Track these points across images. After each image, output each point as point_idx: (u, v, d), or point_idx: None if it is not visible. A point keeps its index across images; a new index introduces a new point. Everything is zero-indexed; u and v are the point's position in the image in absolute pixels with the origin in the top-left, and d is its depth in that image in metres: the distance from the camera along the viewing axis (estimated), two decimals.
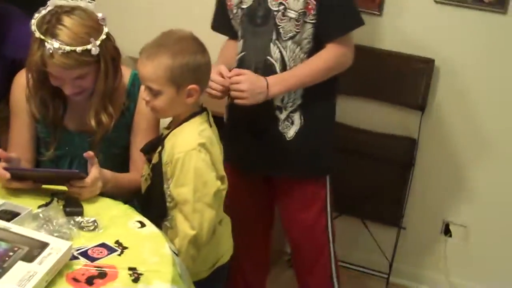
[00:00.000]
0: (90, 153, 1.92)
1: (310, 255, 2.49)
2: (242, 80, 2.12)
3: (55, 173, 1.99)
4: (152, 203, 1.97)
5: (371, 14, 2.93)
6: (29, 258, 1.50)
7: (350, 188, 3.02)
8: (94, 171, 1.90)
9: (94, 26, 1.94)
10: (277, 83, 2.16)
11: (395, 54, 2.96)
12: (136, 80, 2.12)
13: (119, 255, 1.66)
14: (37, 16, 1.93)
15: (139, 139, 2.11)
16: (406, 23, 2.94)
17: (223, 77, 2.13)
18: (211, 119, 1.99)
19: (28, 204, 1.81)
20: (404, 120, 3.06)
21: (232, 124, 2.39)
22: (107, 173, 1.99)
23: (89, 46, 1.90)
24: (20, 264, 1.48)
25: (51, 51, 1.87)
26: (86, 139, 2.09)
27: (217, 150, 1.93)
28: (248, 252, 2.53)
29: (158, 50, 1.84)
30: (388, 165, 3.05)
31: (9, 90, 2.13)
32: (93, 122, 2.04)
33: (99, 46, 1.93)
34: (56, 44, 1.86)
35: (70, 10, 1.92)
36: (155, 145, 1.97)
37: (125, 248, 1.69)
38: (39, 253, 1.52)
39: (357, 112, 3.11)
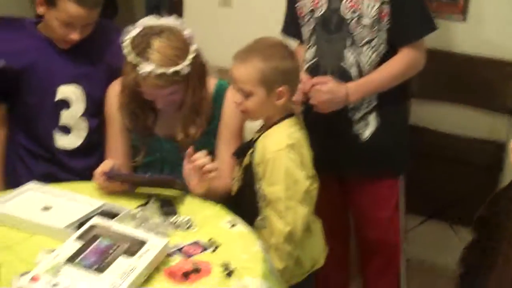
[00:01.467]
0: (190, 150, 1.99)
1: (382, 256, 2.50)
2: (324, 90, 2.17)
3: (151, 178, 2.07)
4: (244, 204, 2.04)
5: (455, 19, 2.93)
6: (130, 253, 1.60)
7: (437, 192, 3.01)
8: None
9: (182, 47, 2.03)
10: (356, 92, 2.21)
11: (481, 58, 2.95)
12: (221, 90, 2.21)
13: (212, 252, 1.73)
14: (127, 38, 2.03)
15: (224, 146, 2.19)
16: (491, 27, 2.92)
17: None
18: (301, 123, 2.05)
19: (126, 205, 1.92)
20: (491, 124, 3.03)
21: (307, 128, 2.43)
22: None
23: (178, 67, 2.00)
24: (122, 259, 1.58)
25: (144, 75, 1.98)
26: (176, 145, 2.18)
27: (307, 151, 2.00)
28: (329, 255, 2.56)
29: (250, 54, 1.93)
30: (475, 169, 3.02)
31: None
32: (181, 135, 2.14)
33: (188, 65, 2.02)
34: (148, 68, 1.97)
35: (159, 33, 2.01)
36: (246, 148, 2.05)
37: (218, 245, 1.76)
38: (139, 249, 1.62)
39: (444, 117, 3.09)
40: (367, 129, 2.31)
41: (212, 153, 2.21)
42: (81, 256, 1.57)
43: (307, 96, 2.20)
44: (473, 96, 3.01)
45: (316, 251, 2.11)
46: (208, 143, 2.19)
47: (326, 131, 2.34)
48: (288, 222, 1.91)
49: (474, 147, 3.04)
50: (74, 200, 1.94)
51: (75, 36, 2.15)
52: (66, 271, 1.51)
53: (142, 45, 1.99)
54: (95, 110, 2.30)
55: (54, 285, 1.46)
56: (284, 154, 1.92)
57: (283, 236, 1.92)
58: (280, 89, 1.94)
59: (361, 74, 2.25)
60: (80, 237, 1.64)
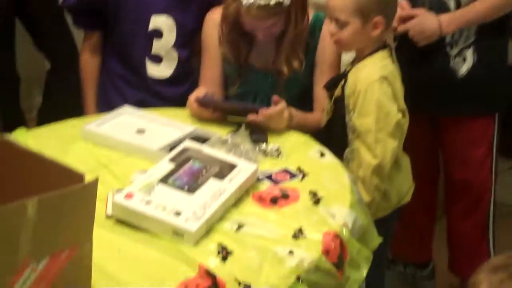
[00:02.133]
0: (276, 97, 2.01)
1: (471, 198, 2.44)
2: (412, 23, 2.13)
3: (242, 106, 2.10)
4: (333, 136, 2.04)
5: None
6: (220, 176, 1.64)
7: None
8: (282, 103, 2.00)
9: None
10: (451, 23, 2.15)
11: None
12: (317, 22, 2.18)
13: (301, 180, 1.75)
14: None
15: (322, 77, 2.18)
16: None
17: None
18: (394, 56, 2.02)
19: (217, 131, 1.95)
20: None
21: (399, 65, 2.38)
22: (293, 109, 2.07)
23: None
24: (212, 181, 1.62)
25: (246, 5, 1.98)
26: (270, 78, 2.19)
27: (399, 85, 1.97)
28: (416, 194, 2.54)
29: None
30: None
31: (199, 23, 2.28)
32: (285, 68, 2.14)
33: None
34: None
35: None
36: (338, 80, 2.03)
37: (306, 174, 1.78)
38: (229, 173, 1.65)
39: None
40: (464, 65, 2.25)
41: (307, 86, 2.22)
42: (173, 177, 1.61)
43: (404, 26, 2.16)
44: None
45: (404, 187, 2.10)
46: (303, 76, 2.19)
47: (419, 68, 2.30)
48: (377, 155, 1.90)
49: None
50: (166, 124, 1.98)
51: None
52: (159, 190, 1.56)
53: None
54: (186, 41, 2.33)
55: (147, 202, 1.51)
56: (376, 86, 1.89)
57: (371, 169, 1.91)
58: (376, 19, 1.90)
59: (459, 6, 2.18)
60: (172, 159, 1.69)
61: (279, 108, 1.98)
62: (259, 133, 1.94)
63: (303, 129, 2.10)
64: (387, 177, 1.96)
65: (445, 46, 2.24)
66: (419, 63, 2.29)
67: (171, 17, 2.28)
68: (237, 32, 2.14)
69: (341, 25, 1.92)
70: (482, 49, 2.25)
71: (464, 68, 2.25)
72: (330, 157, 1.89)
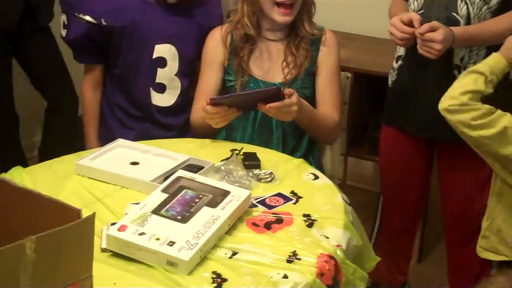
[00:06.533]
0: (289, 90, 2.03)
1: (470, 226, 2.36)
2: (437, 38, 2.03)
3: (255, 93, 2.10)
4: None
5: None
6: (213, 204, 1.64)
7: None
8: (294, 96, 2.01)
9: None
10: (462, 37, 2.09)
11: None
12: (317, 29, 2.28)
13: (294, 203, 1.76)
14: None
15: (329, 81, 2.26)
16: None
17: (411, 25, 2.08)
18: None
19: (211, 159, 1.96)
20: None
21: (403, 86, 2.36)
22: (304, 101, 2.10)
23: None
24: (205, 209, 1.62)
25: None
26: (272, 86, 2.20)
27: None
28: (399, 217, 2.53)
29: None
30: None
31: (198, 52, 2.35)
32: (280, 77, 2.23)
33: None
34: None
35: None
36: None
37: (300, 197, 1.79)
38: (222, 200, 1.66)
39: None
40: None
41: (312, 91, 2.28)
42: (166, 207, 1.62)
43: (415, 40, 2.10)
44: None
45: None
46: (306, 82, 2.25)
47: (423, 90, 2.24)
48: None
49: None
50: (161, 155, 1.99)
51: None
52: (152, 221, 1.56)
53: None
54: (187, 70, 2.38)
55: (141, 233, 1.52)
56: None
57: None
58: None
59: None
60: (165, 189, 1.69)
61: (290, 101, 1.99)
62: (252, 159, 1.95)
63: (315, 124, 2.17)
64: None
65: (453, 69, 2.19)
66: (424, 85, 2.25)
67: (173, 46, 2.32)
68: (242, 40, 2.23)
69: None
70: None
71: None
72: (323, 179, 1.90)
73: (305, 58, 2.23)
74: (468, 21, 2.14)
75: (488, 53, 2.10)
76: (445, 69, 2.18)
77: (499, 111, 1.85)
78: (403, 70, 2.31)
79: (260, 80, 2.25)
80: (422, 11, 2.19)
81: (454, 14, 2.14)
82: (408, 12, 2.16)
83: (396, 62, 2.33)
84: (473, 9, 2.12)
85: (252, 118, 2.25)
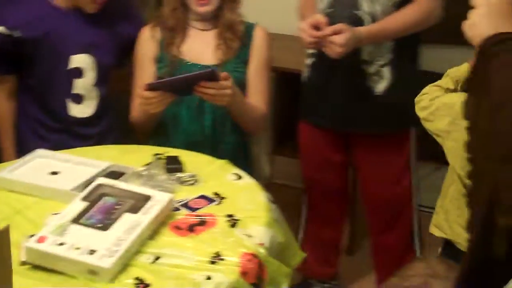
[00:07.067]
0: (225, 73, 2.06)
1: (390, 214, 2.46)
2: (340, 43, 2.08)
3: (191, 76, 2.08)
4: None
5: None
6: (134, 209, 1.63)
7: None
8: (229, 80, 2.05)
9: None
10: (367, 37, 2.16)
11: None
12: (249, 25, 2.31)
13: (218, 204, 1.76)
14: None
15: (260, 72, 2.30)
16: None
17: (318, 28, 2.13)
18: None
19: (132, 165, 1.94)
20: None
21: (315, 81, 2.40)
22: (237, 88, 2.13)
23: None
24: (127, 215, 1.60)
25: None
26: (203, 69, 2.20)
27: None
28: (323, 210, 2.57)
29: None
30: None
31: (122, 61, 2.37)
32: (217, 53, 2.25)
33: None
34: None
35: None
36: None
37: (223, 198, 1.79)
38: (143, 205, 1.64)
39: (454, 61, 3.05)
40: (381, 83, 2.27)
41: (237, 80, 2.26)
42: (86, 215, 1.60)
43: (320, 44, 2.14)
44: None
45: None
46: (238, 68, 2.27)
47: (335, 85, 2.32)
48: None
49: None
50: (81, 163, 1.96)
51: None
52: (72, 230, 1.54)
53: None
54: (105, 79, 2.35)
55: (61, 244, 1.49)
56: None
57: None
58: None
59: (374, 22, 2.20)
60: (86, 197, 1.67)
61: (226, 83, 2.04)
62: (174, 163, 1.94)
63: (244, 114, 2.22)
64: None
65: (361, 64, 2.26)
66: (336, 81, 2.31)
67: (91, 56, 2.29)
68: (170, 32, 2.28)
69: None
70: (399, 66, 2.27)
71: (381, 86, 2.27)
72: (247, 179, 1.90)
73: (237, 43, 2.27)
74: (373, 17, 2.18)
75: (395, 45, 2.17)
76: (354, 65, 2.24)
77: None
78: (314, 66, 2.36)
79: (193, 63, 2.26)
80: (330, 9, 2.24)
81: (359, 11, 2.18)
82: (315, 14, 2.19)
83: (308, 59, 2.36)
84: (377, 6, 2.17)
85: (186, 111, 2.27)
